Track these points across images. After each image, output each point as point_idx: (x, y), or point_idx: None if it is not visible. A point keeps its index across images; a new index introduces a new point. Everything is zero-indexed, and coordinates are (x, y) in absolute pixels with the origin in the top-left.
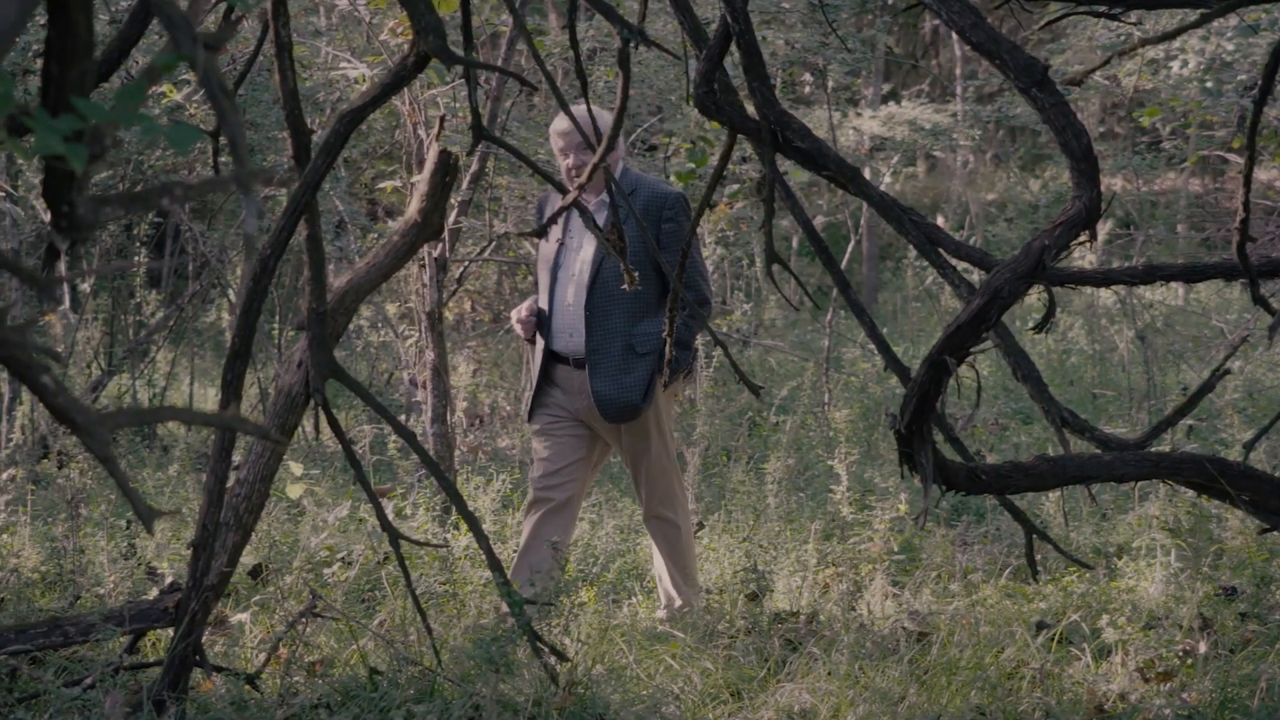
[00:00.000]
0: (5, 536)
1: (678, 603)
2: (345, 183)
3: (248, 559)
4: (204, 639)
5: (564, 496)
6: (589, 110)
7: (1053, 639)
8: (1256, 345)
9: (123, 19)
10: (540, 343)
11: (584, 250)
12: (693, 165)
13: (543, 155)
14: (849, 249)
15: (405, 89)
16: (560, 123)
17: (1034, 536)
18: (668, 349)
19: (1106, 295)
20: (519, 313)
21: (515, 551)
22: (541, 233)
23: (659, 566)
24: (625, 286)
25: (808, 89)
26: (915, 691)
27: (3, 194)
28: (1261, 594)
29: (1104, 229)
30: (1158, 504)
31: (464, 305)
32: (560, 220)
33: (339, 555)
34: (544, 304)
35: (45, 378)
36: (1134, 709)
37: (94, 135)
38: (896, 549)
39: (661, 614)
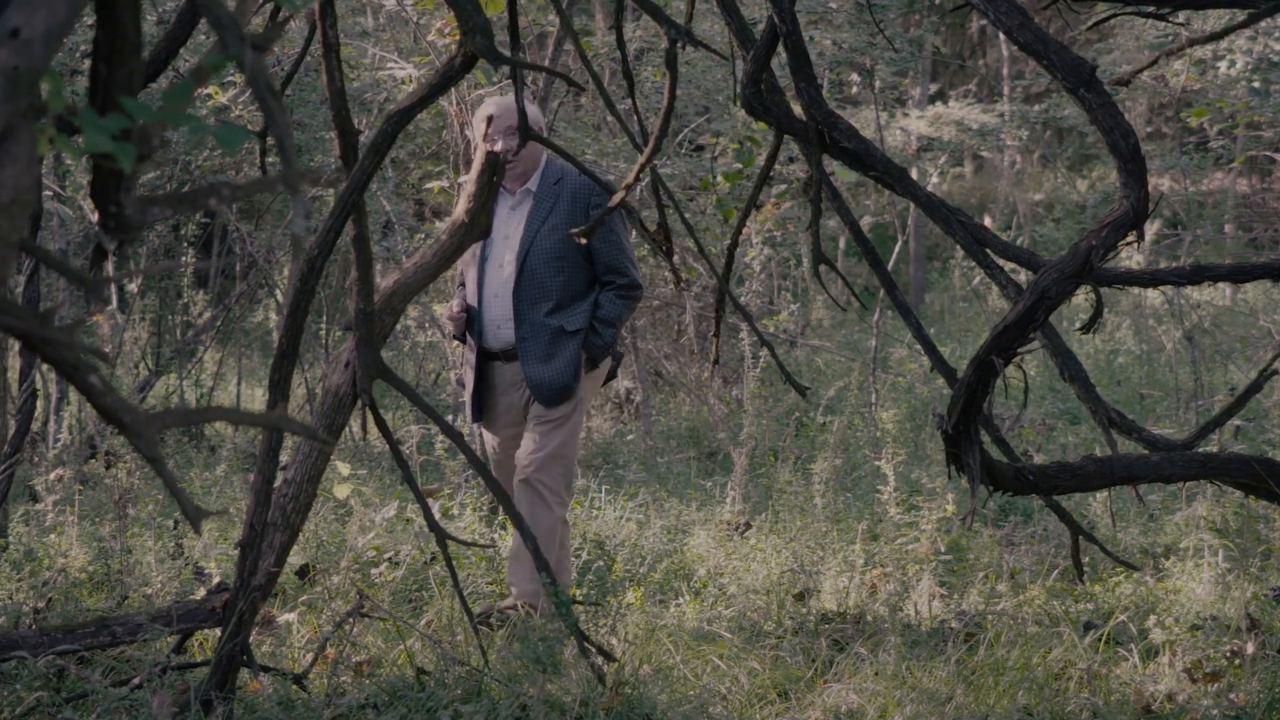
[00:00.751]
0: (53, 536)
1: (514, 592)
2: (392, 183)
3: (295, 559)
4: (251, 639)
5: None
6: (519, 100)
7: (1100, 639)
8: None
9: (170, 19)
10: (470, 342)
11: (510, 241)
12: (740, 165)
13: (589, 156)
14: (896, 249)
15: (452, 89)
16: (487, 107)
17: (1081, 537)
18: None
19: (1154, 295)
20: (449, 309)
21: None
22: (589, 233)
23: (516, 546)
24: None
25: (855, 89)
26: (962, 692)
27: (50, 194)
28: None
29: (1151, 229)
30: (1205, 504)
31: None
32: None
33: (386, 555)
34: (473, 300)
35: (93, 378)
36: (1181, 710)
37: (142, 135)
38: (943, 549)
39: (507, 602)
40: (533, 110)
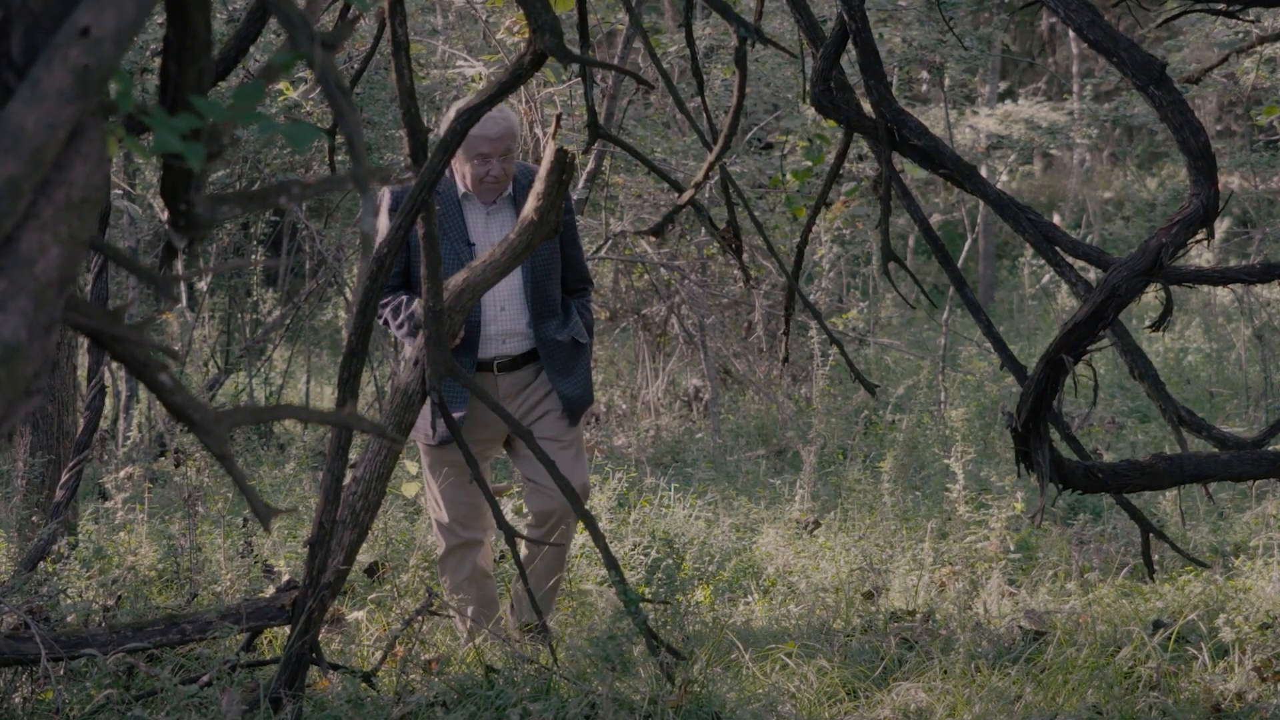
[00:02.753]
0: (123, 534)
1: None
2: None
3: (364, 557)
4: (320, 637)
5: (479, 536)
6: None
7: (1170, 638)
8: None
9: (240, 18)
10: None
11: None
12: (809, 163)
13: (659, 154)
14: (965, 247)
15: (522, 87)
16: (492, 127)
17: (1151, 535)
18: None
19: (1223, 293)
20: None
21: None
22: (659, 232)
23: (547, 579)
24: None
25: (924, 87)
26: (1031, 691)
27: (121, 193)
28: None
29: (1221, 227)
30: (1275, 503)
31: None
32: (462, 221)
33: None
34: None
35: (163, 376)
36: (1251, 708)
37: (212, 134)
38: (1013, 548)
39: (512, 623)
40: (513, 119)
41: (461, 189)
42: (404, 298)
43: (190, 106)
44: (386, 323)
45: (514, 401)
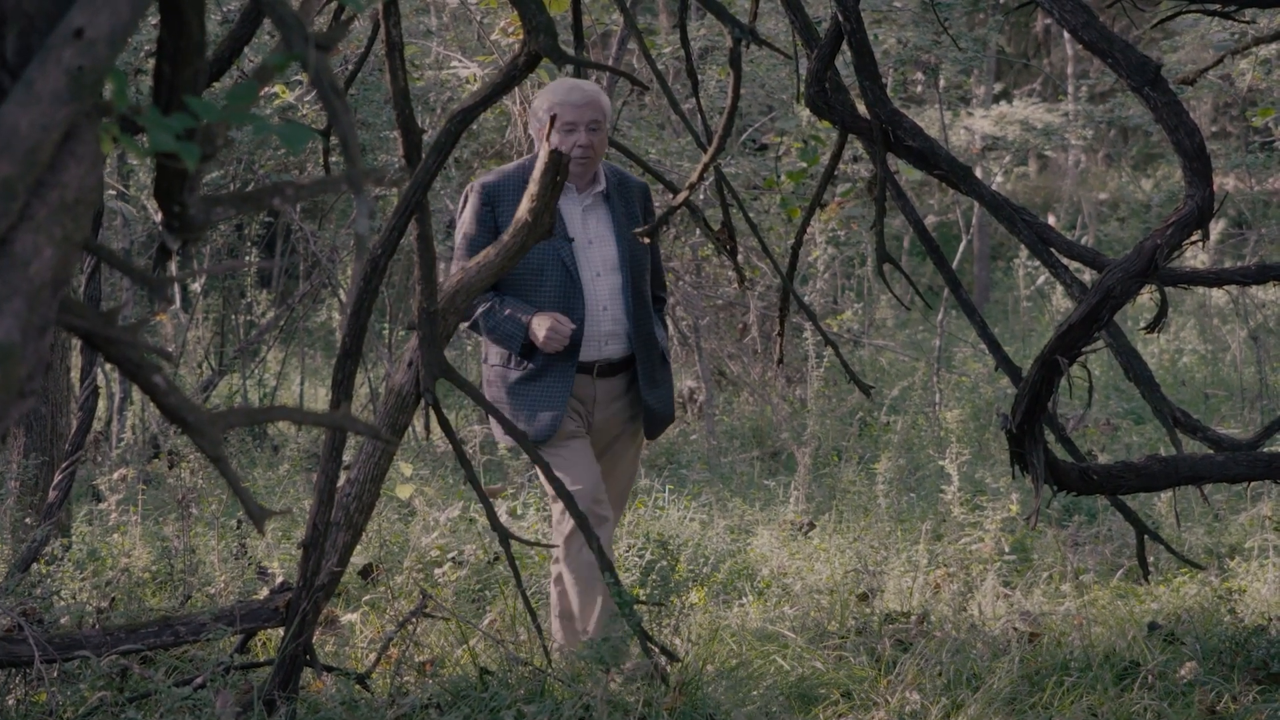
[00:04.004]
0: (116, 536)
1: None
2: (456, 182)
3: (358, 559)
4: (314, 639)
5: (609, 514)
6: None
7: (1164, 640)
8: None
9: (234, 19)
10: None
11: (604, 247)
12: (804, 164)
13: (653, 155)
14: (960, 248)
15: (516, 88)
16: (577, 95)
17: (1146, 537)
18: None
19: (1219, 295)
20: (561, 326)
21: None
22: (653, 232)
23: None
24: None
25: (919, 88)
26: (1026, 693)
27: (115, 193)
28: None
29: (1216, 228)
30: (1270, 504)
31: None
32: (560, 211)
33: (449, 555)
34: (554, 307)
35: (157, 377)
36: (1246, 711)
37: (206, 134)
38: (1008, 549)
39: (559, 641)
40: (600, 91)
41: None
42: (495, 300)
43: (185, 107)
44: (476, 325)
45: (606, 410)
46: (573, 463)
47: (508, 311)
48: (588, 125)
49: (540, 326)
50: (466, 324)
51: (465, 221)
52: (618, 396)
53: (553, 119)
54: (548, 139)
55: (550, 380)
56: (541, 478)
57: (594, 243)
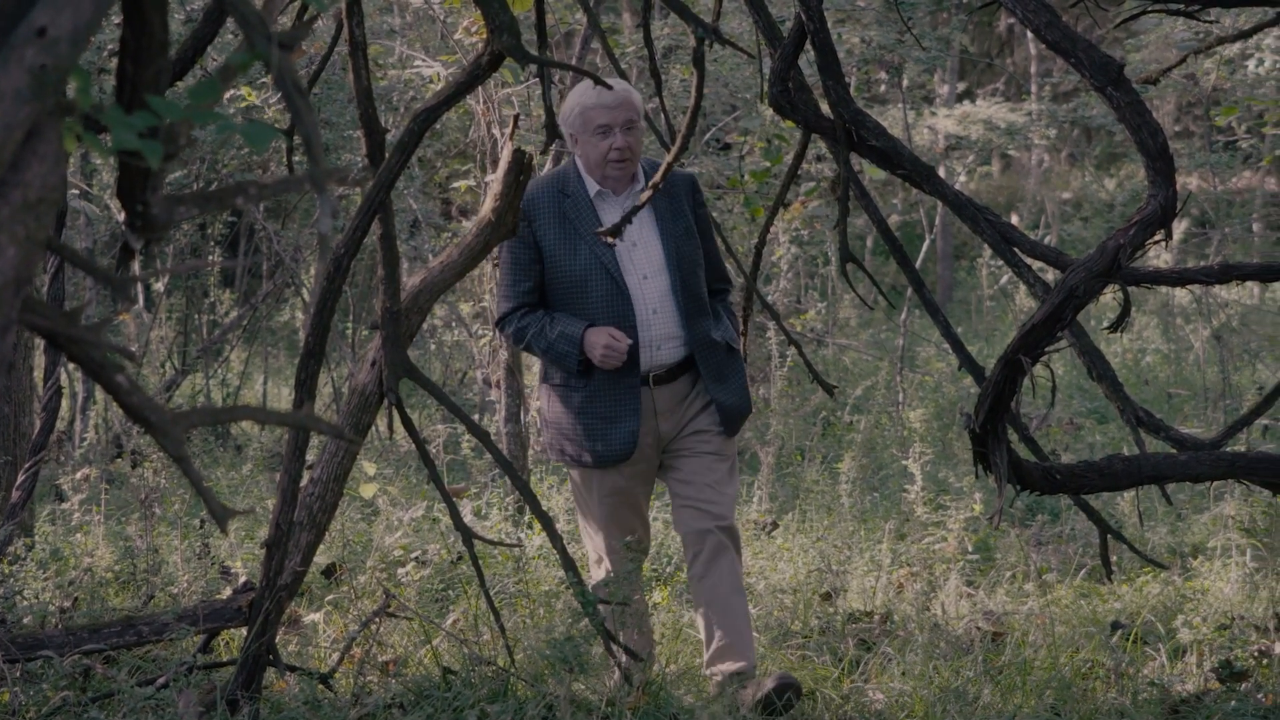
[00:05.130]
0: (79, 536)
1: (740, 665)
2: (419, 182)
3: (321, 558)
4: (278, 638)
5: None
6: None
7: (1127, 639)
8: None
9: (197, 18)
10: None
11: (649, 248)
12: (767, 164)
13: None
14: (924, 248)
15: (479, 88)
16: (609, 96)
17: (1109, 536)
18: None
19: (1182, 294)
20: (617, 342)
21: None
22: (617, 232)
23: (734, 609)
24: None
25: (883, 87)
26: (989, 692)
27: (77, 192)
28: None
29: (1179, 228)
30: (1233, 504)
31: None
32: (597, 221)
33: (413, 555)
34: (604, 317)
35: (119, 377)
36: (1208, 710)
37: (169, 133)
38: (971, 549)
39: (720, 672)
40: (632, 90)
41: (594, 188)
42: (546, 319)
43: (147, 106)
44: (529, 347)
45: (672, 417)
46: (622, 527)
47: (559, 330)
48: (623, 126)
49: (595, 345)
50: (519, 345)
51: (505, 243)
52: (681, 400)
53: (515, 119)
54: (510, 139)
55: (617, 395)
56: (670, 491)
57: (638, 245)
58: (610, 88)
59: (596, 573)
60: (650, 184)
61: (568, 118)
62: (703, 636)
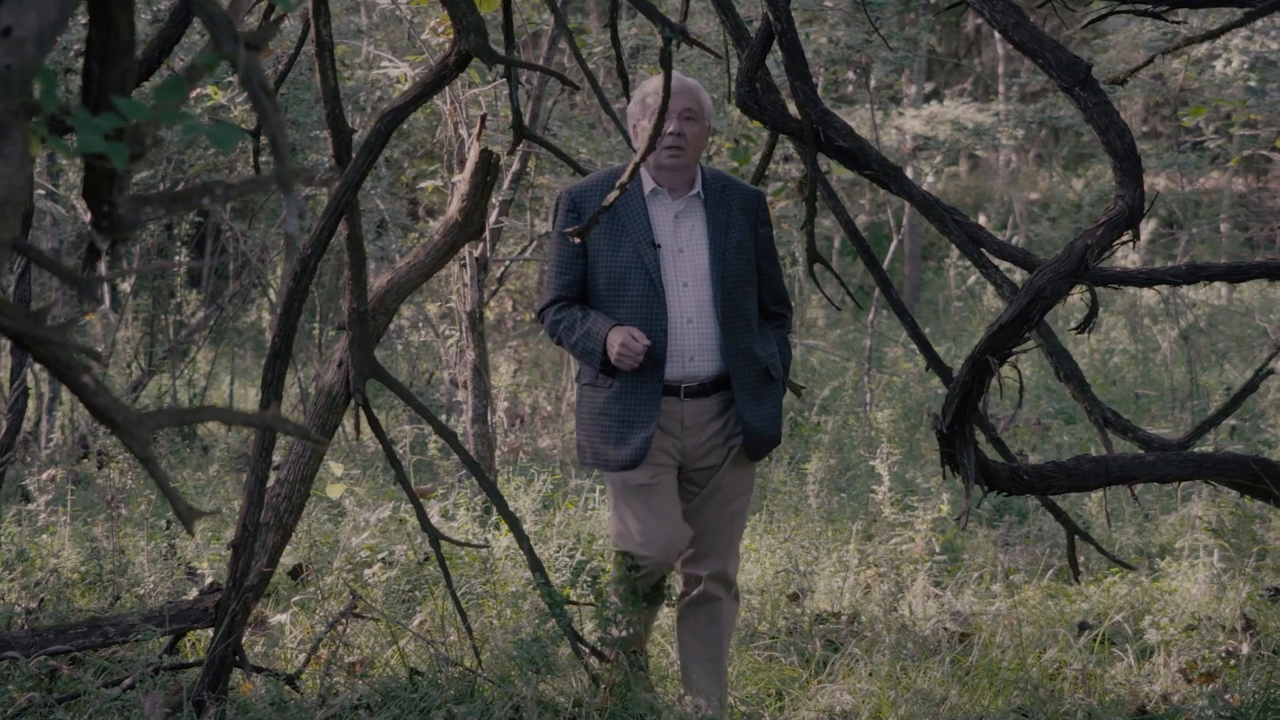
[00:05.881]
0: (45, 537)
1: (707, 704)
2: (386, 182)
3: (288, 559)
4: (244, 639)
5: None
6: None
7: (1095, 640)
8: None
9: (164, 18)
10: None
11: (695, 256)
12: (735, 164)
13: (584, 155)
14: (891, 248)
15: (447, 88)
16: (672, 83)
17: (1076, 537)
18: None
19: (1149, 295)
20: (634, 343)
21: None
22: (583, 233)
23: (703, 651)
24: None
25: (850, 87)
26: (957, 692)
27: (43, 193)
28: None
29: (1147, 228)
30: (1201, 504)
31: (505, 305)
32: (646, 221)
33: (379, 555)
34: (636, 321)
35: (85, 377)
36: (1176, 710)
37: (135, 134)
38: (938, 549)
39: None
40: (696, 83)
41: (649, 185)
42: (578, 315)
43: (113, 107)
44: (560, 341)
45: (700, 434)
46: (650, 520)
47: (587, 326)
48: (681, 114)
49: (614, 343)
50: (553, 338)
51: (553, 234)
52: (712, 419)
53: (482, 120)
54: (478, 140)
55: (636, 400)
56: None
57: (685, 251)
58: (577, 88)
59: (614, 570)
60: (618, 184)
61: (630, 110)
62: (681, 674)
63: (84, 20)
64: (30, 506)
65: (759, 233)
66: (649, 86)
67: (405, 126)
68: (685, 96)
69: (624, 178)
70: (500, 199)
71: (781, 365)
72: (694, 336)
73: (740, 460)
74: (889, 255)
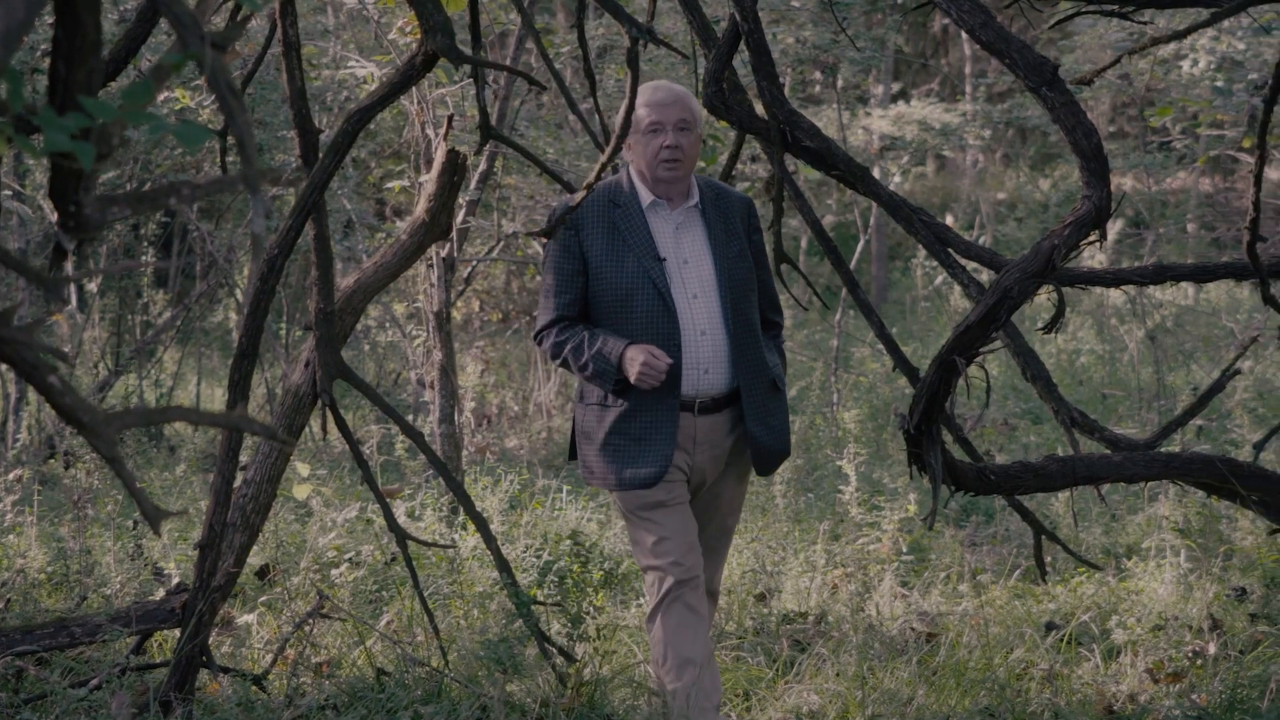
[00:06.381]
0: (12, 537)
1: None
2: (353, 182)
3: (255, 560)
4: (211, 640)
5: (700, 572)
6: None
7: (1062, 640)
8: (1267, 345)
9: (130, 18)
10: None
11: (700, 266)
12: (702, 164)
13: (551, 155)
14: (858, 248)
15: (413, 88)
16: (658, 91)
17: (1043, 537)
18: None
19: (1116, 295)
20: (656, 361)
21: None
22: (551, 233)
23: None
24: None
25: (817, 88)
26: (924, 692)
27: (9, 193)
28: (1271, 595)
29: (1114, 228)
30: (1167, 504)
31: (472, 305)
32: (648, 234)
33: (346, 556)
34: (647, 335)
35: (52, 378)
36: (1143, 710)
37: (101, 134)
38: (905, 549)
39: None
40: (687, 92)
41: (647, 198)
42: (585, 334)
43: (80, 107)
44: (566, 363)
45: (711, 451)
46: (669, 530)
47: (598, 347)
48: (675, 125)
49: (633, 362)
50: (556, 361)
51: (550, 252)
52: (724, 435)
53: (449, 120)
54: (445, 140)
55: (653, 417)
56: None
57: (689, 262)
58: (544, 88)
59: (653, 588)
60: (584, 184)
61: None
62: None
63: (51, 20)
64: None
65: (752, 240)
66: (641, 99)
67: (372, 126)
68: (678, 107)
69: (590, 178)
70: (467, 199)
71: (781, 374)
72: (708, 349)
73: (742, 476)
74: (856, 255)
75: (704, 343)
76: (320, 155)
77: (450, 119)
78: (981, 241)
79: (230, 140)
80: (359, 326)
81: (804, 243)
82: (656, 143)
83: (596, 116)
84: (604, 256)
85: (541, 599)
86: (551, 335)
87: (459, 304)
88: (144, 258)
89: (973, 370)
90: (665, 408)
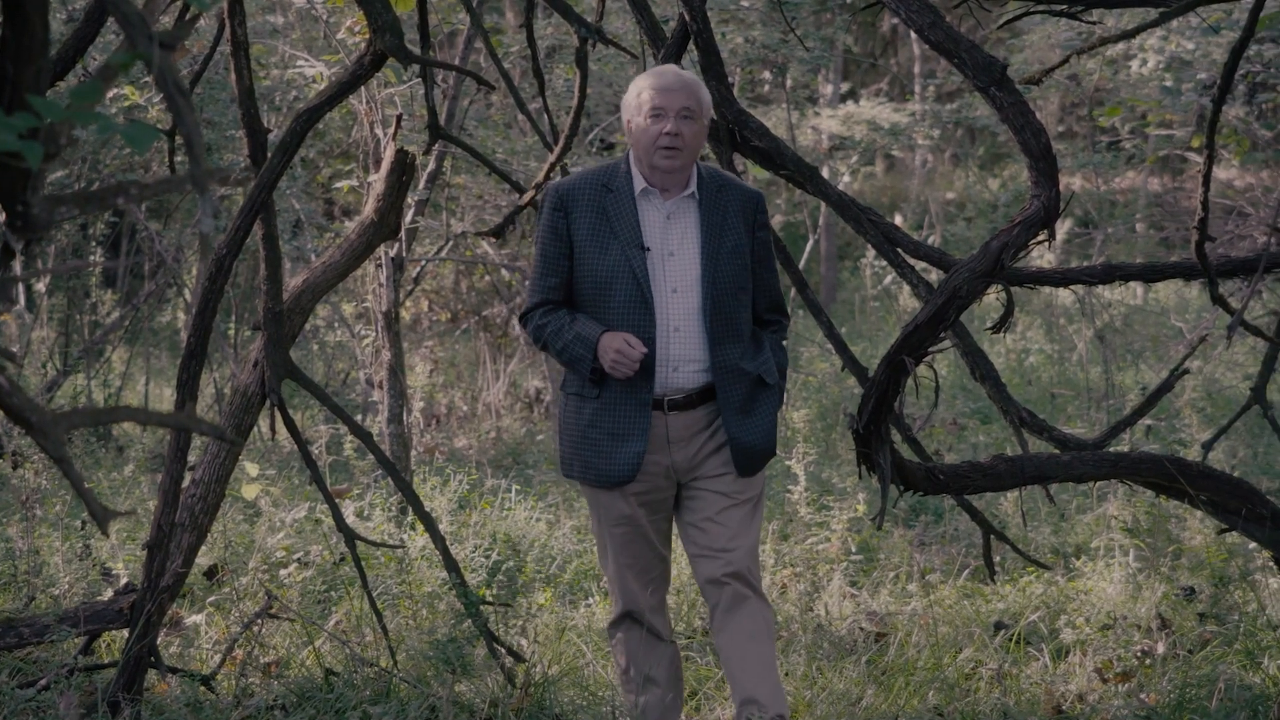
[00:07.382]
0: None
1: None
2: (302, 182)
3: (203, 560)
4: (159, 640)
5: (662, 596)
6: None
7: (1011, 639)
8: (1215, 345)
9: (79, 17)
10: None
11: (686, 260)
12: None
13: (500, 155)
14: (807, 248)
15: (362, 88)
16: (664, 76)
17: (992, 536)
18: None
19: (1065, 295)
20: (630, 349)
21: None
22: (499, 233)
23: (752, 657)
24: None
25: (766, 87)
26: (873, 692)
27: None
28: (1220, 594)
29: (1063, 228)
30: (1116, 504)
31: (421, 305)
32: (636, 222)
33: (295, 556)
34: (619, 327)
35: (0, 378)
36: (1092, 710)
37: (50, 133)
38: (854, 549)
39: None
40: (698, 80)
41: (640, 184)
42: (566, 319)
43: (28, 106)
44: (546, 346)
45: (687, 448)
46: (630, 557)
47: (575, 331)
48: (678, 113)
49: (607, 349)
50: (537, 344)
51: (539, 233)
52: (699, 431)
53: (398, 119)
54: (393, 140)
55: (625, 412)
56: (683, 536)
57: (675, 254)
58: (493, 88)
59: (613, 599)
60: (533, 184)
61: (626, 102)
62: (730, 691)
63: None
64: None
65: (756, 236)
66: (643, 82)
67: (321, 126)
68: (684, 94)
69: (539, 176)
70: (416, 199)
71: (778, 370)
72: (679, 346)
73: (729, 469)
74: (805, 255)
75: (676, 339)
76: (269, 155)
77: (399, 119)
78: (930, 241)
79: (178, 140)
80: (308, 326)
81: None
82: (656, 129)
83: (545, 116)
84: (589, 241)
85: (490, 599)
86: (535, 318)
87: (408, 304)
88: (92, 257)
89: (922, 370)
90: (639, 403)
